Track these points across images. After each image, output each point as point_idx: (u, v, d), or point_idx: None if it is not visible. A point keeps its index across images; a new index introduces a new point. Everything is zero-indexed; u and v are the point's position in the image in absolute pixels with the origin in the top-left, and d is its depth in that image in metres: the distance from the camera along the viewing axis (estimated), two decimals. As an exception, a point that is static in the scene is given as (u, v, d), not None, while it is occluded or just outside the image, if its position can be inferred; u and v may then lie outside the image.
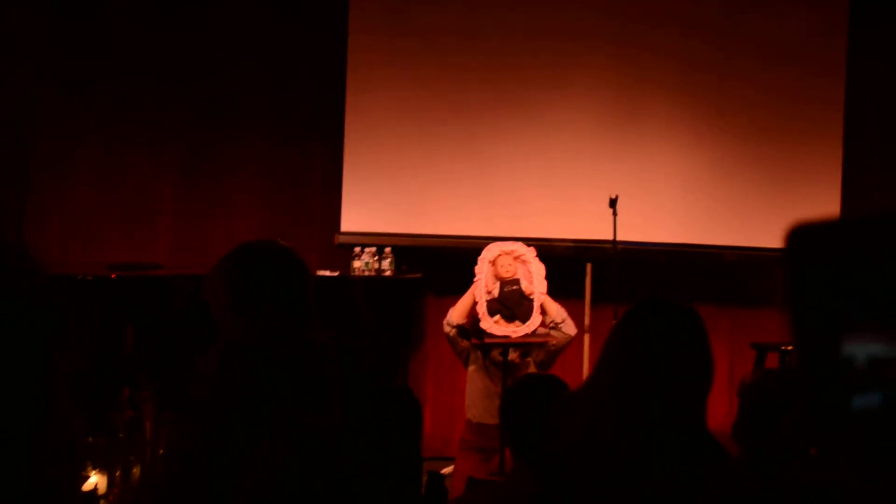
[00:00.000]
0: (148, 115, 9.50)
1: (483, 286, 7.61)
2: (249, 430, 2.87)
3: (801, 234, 1.37)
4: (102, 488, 5.07)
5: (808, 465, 3.60)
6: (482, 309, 7.53)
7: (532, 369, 7.39)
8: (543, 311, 7.57)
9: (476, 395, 7.47)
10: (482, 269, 7.64)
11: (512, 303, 7.57)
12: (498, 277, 7.63)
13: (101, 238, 9.27)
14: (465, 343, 7.51)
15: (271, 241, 3.65)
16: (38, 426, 1.24)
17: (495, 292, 7.61)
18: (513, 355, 7.37)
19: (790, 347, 8.33)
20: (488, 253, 7.70)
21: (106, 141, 9.45)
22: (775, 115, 9.22)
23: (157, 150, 9.56)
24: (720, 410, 8.42)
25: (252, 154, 9.68)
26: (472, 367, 7.57)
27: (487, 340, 7.41)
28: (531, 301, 7.56)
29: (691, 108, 9.26)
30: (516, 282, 7.61)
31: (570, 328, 7.58)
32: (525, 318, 7.52)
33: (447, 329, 7.60)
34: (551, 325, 7.53)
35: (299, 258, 3.55)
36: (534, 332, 7.52)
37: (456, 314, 7.60)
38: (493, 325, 7.47)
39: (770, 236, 8.83)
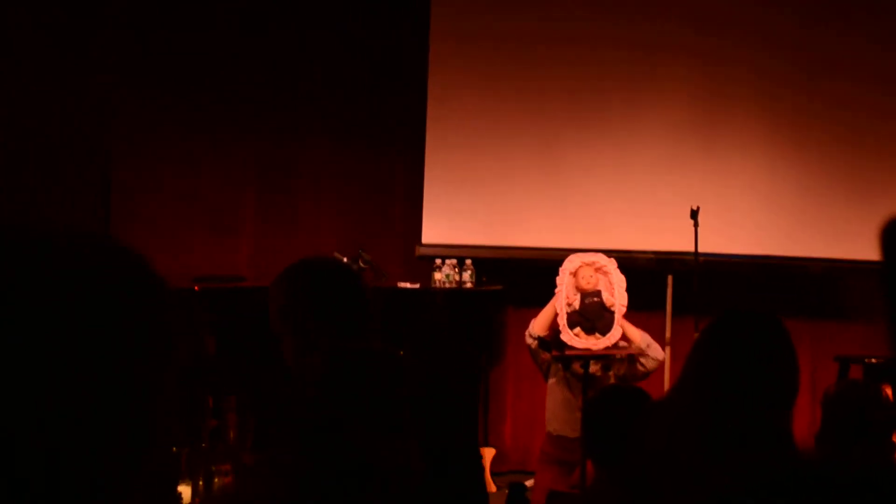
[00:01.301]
0: (230, 126, 9.54)
1: (564, 298, 7.59)
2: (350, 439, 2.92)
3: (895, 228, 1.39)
4: (187, 498, 5.13)
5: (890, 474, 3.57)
6: (563, 321, 7.50)
7: (613, 381, 7.36)
8: (627, 339, 7.52)
9: (557, 408, 7.46)
10: (563, 280, 7.62)
11: (592, 315, 7.55)
12: (579, 289, 7.61)
13: (185, 249, 9.34)
14: (545, 355, 7.50)
15: (327, 258, 3.71)
16: (148, 442, 1.27)
17: (576, 304, 7.58)
18: (594, 368, 7.34)
19: (874, 360, 8.25)
20: (569, 264, 7.67)
21: (188, 151, 9.50)
22: (856, 129, 9.13)
23: (239, 161, 9.61)
24: (803, 422, 8.34)
25: (334, 165, 9.73)
26: (552, 380, 7.56)
27: (568, 353, 7.39)
28: (612, 313, 7.53)
29: (770, 119, 9.19)
30: (597, 293, 7.58)
31: (657, 352, 7.53)
32: (606, 330, 7.49)
33: (529, 341, 7.60)
34: (638, 353, 7.48)
35: (354, 274, 3.60)
36: (615, 344, 7.48)
37: (537, 326, 7.59)
38: (574, 338, 7.45)
39: (852, 248, 8.76)
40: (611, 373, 7.47)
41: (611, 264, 7.66)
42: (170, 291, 1.31)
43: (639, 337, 7.50)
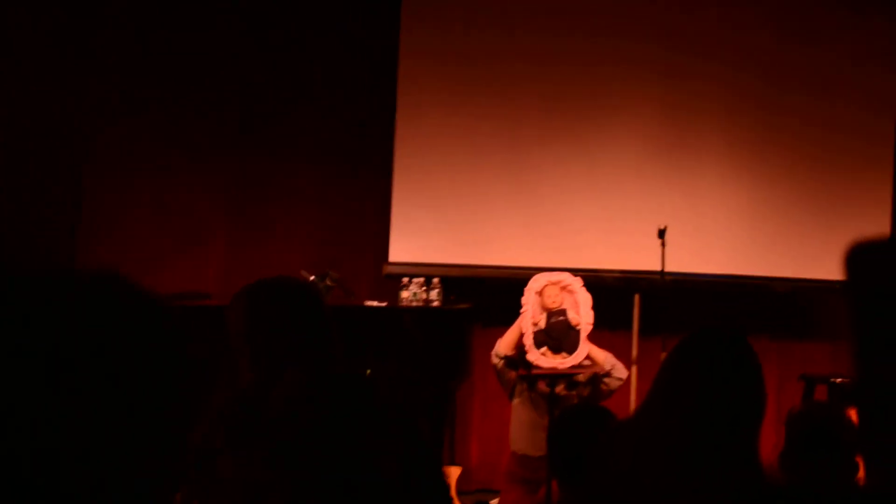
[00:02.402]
0: (199, 141, 9.54)
1: (530, 317, 7.61)
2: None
3: (860, 252, 1.40)
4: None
5: (856, 496, 3.59)
6: (529, 340, 7.52)
7: (577, 402, 7.38)
8: (592, 360, 7.54)
9: (522, 427, 7.47)
10: (529, 299, 7.64)
11: (558, 333, 7.57)
12: (544, 308, 7.63)
13: (154, 263, 9.30)
14: (512, 374, 7.51)
15: (286, 278, 3.68)
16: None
17: (542, 323, 7.60)
18: (559, 388, 7.36)
19: (839, 379, 8.29)
20: (535, 283, 7.69)
21: (158, 167, 9.49)
22: (824, 147, 9.19)
23: (209, 177, 9.60)
24: (768, 441, 8.34)
25: (305, 182, 9.71)
26: (517, 400, 7.57)
27: (534, 372, 7.41)
28: (577, 332, 7.55)
29: (740, 138, 9.24)
30: (563, 312, 7.61)
31: (621, 372, 7.57)
32: (572, 349, 7.52)
33: (495, 360, 7.61)
34: (602, 374, 7.51)
35: (314, 294, 3.58)
36: (580, 364, 7.50)
37: (503, 345, 7.60)
38: (541, 357, 7.46)
39: (819, 267, 8.80)
40: (574, 392, 7.48)
41: (576, 283, 7.70)
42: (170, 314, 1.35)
43: (603, 357, 7.54)
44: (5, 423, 1.17)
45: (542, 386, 7.42)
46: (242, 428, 3.34)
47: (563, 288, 7.67)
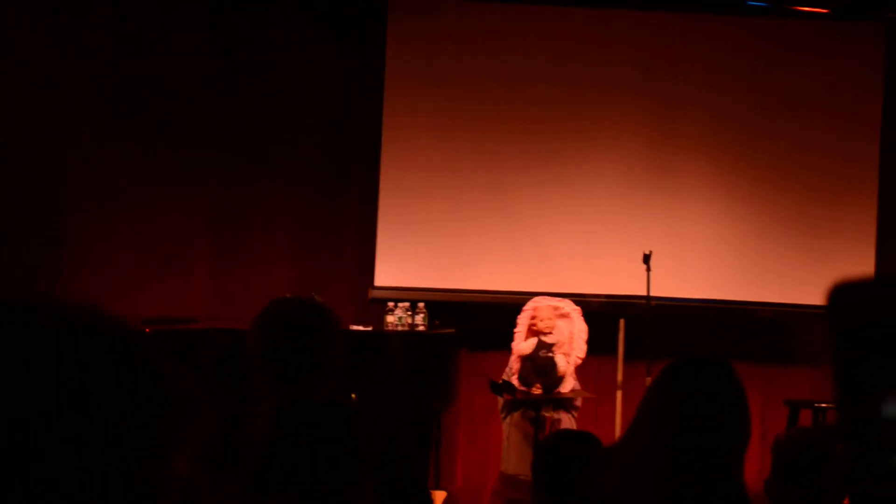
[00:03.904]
0: (180, 165, 9.54)
1: (521, 339, 7.57)
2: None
3: (842, 292, 1.41)
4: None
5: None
6: (515, 366, 7.50)
7: (567, 424, 7.37)
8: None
9: (512, 448, 7.45)
10: (523, 320, 7.61)
11: (543, 367, 7.53)
12: (536, 331, 7.59)
13: (136, 289, 9.29)
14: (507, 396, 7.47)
15: (300, 299, 3.67)
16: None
17: (530, 349, 7.54)
18: (546, 411, 7.35)
19: (823, 405, 8.30)
20: (532, 304, 7.66)
21: (140, 192, 9.48)
22: (809, 170, 9.23)
23: (190, 201, 9.60)
24: (753, 467, 8.37)
25: (286, 206, 9.71)
26: (507, 420, 7.55)
27: (520, 396, 7.40)
28: (563, 372, 7.49)
29: (723, 162, 9.27)
30: (551, 351, 7.52)
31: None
32: (557, 384, 7.49)
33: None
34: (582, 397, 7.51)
35: (328, 316, 3.57)
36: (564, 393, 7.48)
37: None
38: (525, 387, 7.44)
39: (804, 293, 8.82)
40: (563, 410, 7.45)
41: (575, 312, 7.66)
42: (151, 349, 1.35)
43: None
44: None
45: (528, 410, 7.41)
46: (223, 458, 3.34)
47: (561, 314, 7.65)
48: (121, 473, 1.22)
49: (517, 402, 7.41)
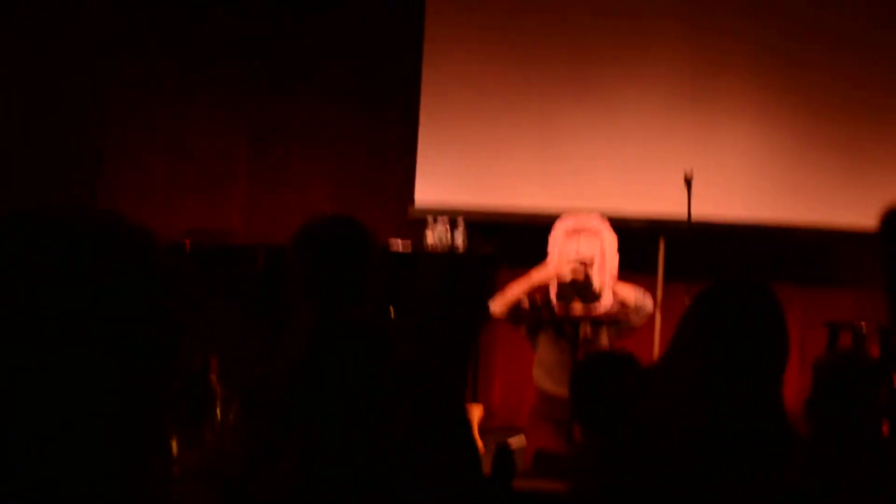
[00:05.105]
0: (220, 81, 9.54)
1: (554, 266, 7.40)
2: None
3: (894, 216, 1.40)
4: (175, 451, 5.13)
5: (881, 445, 3.59)
6: (553, 292, 7.37)
7: (604, 341, 7.30)
8: (620, 300, 7.37)
9: (547, 367, 7.37)
10: (555, 244, 7.49)
11: (582, 286, 7.40)
12: (577, 257, 7.42)
13: (176, 203, 9.33)
14: (544, 314, 7.33)
15: (339, 217, 3.64)
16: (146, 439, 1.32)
17: (566, 275, 7.39)
18: (585, 330, 7.28)
19: (864, 326, 8.27)
20: (561, 227, 7.52)
21: (179, 107, 9.50)
22: (851, 97, 9.10)
23: (230, 116, 9.61)
24: (792, 388, 8.34)
25: (326, 122, 9.70)
26: (542, 337, 7.41)
27: (559, 314, 7.32)
28: (600, 289, 7.35)
29: (763, 84, 9.16)
30: (586, 266, 7.37)
31: (647, 308, 7.39)
32: (594, 300, 7.36)
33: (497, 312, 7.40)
34: (633, 311, 7.34)
35: (366, 235, 3.55)
36: (607, 311, 7.37)
37: (498, 307, 7.40)
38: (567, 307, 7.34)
39: (845, 215, 8.75)
40: (600, 330, 7.35)
41: (602, 225, 7.48)
42: (171, 276, 1.36)
43: (632, 296, 7.36)
44: None
45: (567, 328, 7.30)
46: (253, 374, 3.36)
47: (590, 233, 7.51)
48: (124, 368, 1.23)
49: (553, 321, 7.31)
